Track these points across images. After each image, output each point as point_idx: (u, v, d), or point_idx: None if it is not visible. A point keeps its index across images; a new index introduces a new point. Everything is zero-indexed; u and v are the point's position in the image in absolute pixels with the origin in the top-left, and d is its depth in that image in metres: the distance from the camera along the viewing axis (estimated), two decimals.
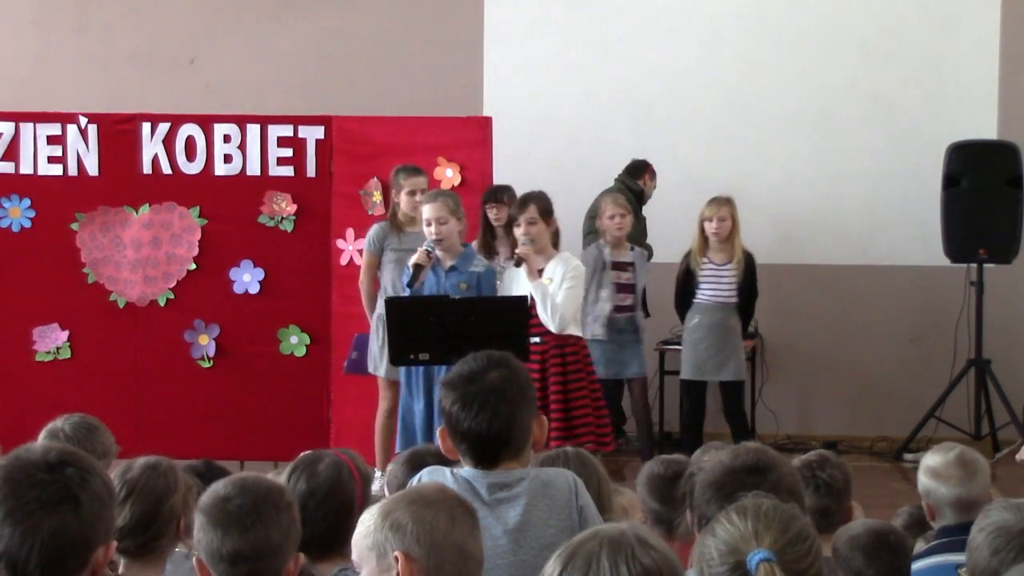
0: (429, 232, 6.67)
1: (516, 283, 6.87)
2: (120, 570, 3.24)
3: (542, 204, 6.93)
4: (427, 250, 6.64)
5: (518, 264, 6.80)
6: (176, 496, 3.26)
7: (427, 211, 6.71)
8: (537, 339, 6.73)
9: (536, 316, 6.75)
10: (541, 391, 6.66)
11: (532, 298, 6.74)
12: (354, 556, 2.48)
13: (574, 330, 6.85)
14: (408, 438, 6.61)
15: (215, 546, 2.76)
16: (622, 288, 7.94)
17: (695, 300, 8.05)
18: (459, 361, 3.24)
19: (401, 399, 6.91)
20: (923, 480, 3.92)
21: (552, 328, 6.77)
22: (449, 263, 6.73)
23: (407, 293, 6.61)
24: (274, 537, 2.77)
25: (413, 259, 6.63)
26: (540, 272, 6.83)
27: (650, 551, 2.05)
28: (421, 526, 2.41)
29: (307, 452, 3.41)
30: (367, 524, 2.46)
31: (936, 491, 3.87)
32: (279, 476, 3.29)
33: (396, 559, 2.39)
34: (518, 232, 6.86)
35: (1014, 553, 2.80)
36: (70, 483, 2.18)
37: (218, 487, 2.85)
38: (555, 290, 6.77)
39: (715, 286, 8.01)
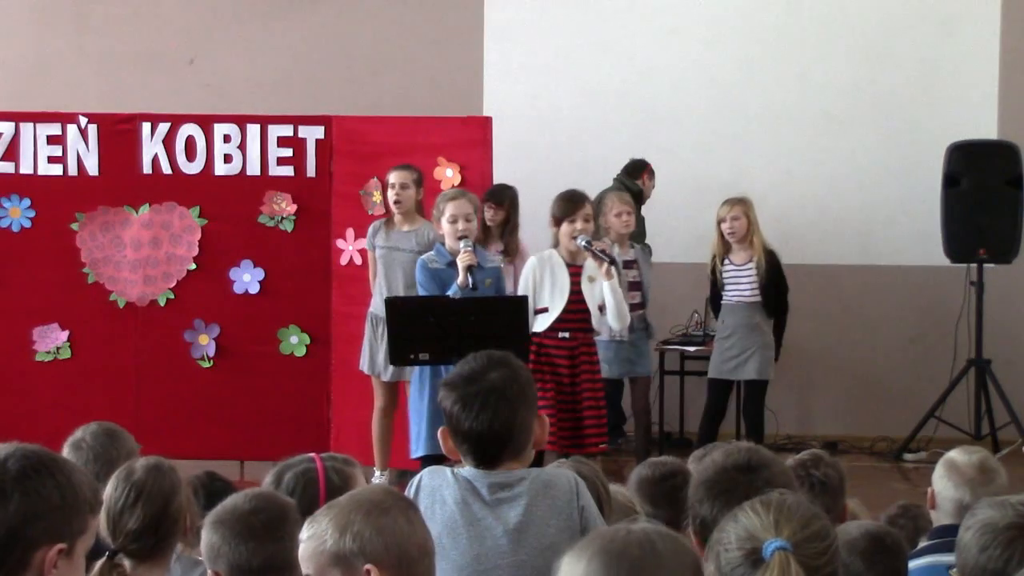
0: (456, 229, 6.45)
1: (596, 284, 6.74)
2: (127, 572, 3.23)
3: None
4: (470, 248, 6.38)
5: (613, 264, 6.64)
6: (181, 494, 3.26)
7: (452, 207, 6.50)
8: (567, 334, 6.67)
9: (576, 312, 6.65)
10: (571, 386, 6.62)
11: (572, 292, 6.64)
12: (308, 570, 2.44)
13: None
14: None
15: (243, 559, 2.80)
16: (631, 286, 7.76)
17: (722, 302, 8.09)
18: (459, 361, 3.24)
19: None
20: (939, 470, 3.92)
21: (616, 329, 6.86)
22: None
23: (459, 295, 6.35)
24: (295, 551, 2.82)
25: (464, 262, 6.30)
26: (580, 268, 6.72)
27: None
28: (386, 536, 2.40)
29: (285, 461, 3.41)
30: (322, 538, 2.42)
31: (946, 484, 3.87)
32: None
33: (368, 572, 2.38)
34: (581, 226, 6.65)
35: (1000, 549, 2.80)
36: (4, 477, 2.21)
37: (237, 501, 2.89)
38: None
39: (737, 286, 8.01)
